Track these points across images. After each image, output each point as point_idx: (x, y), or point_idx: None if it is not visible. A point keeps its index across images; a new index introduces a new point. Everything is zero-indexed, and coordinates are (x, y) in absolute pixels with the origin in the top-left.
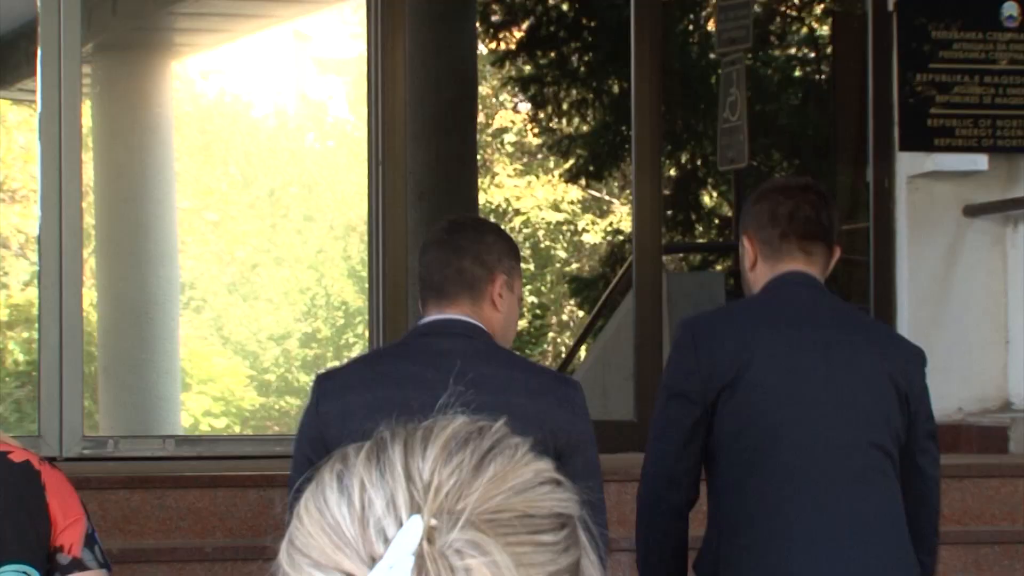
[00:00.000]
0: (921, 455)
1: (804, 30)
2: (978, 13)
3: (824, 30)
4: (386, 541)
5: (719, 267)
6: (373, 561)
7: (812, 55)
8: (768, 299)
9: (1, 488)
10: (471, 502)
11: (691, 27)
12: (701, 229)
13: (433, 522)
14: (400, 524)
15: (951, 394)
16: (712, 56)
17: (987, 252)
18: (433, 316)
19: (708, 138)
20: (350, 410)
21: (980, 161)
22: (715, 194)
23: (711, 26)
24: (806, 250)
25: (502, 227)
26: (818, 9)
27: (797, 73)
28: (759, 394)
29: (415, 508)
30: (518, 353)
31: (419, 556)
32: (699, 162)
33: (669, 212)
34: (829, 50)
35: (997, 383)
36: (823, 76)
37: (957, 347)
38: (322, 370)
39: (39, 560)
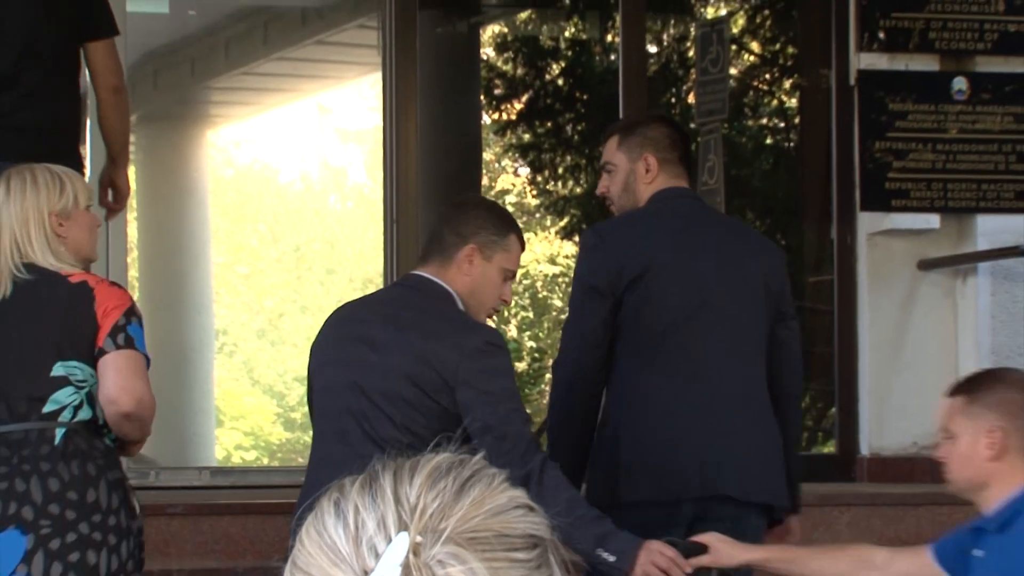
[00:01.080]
0: (783, 330)
1: (774, 102)
2: (931, 87)
3: (792, 103)
4: (377, 556)
5: None
6: (366, 574)
7: (782, 125)
8: (660, 209)
9: (59, 304)
10: (452, 522)
11: (673, 100)
12: None
13: (419, 539)
14: (389, 541)
15: (907, 430)
16: (692, 126)
17: (939, 302)
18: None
19: None
20: (319, 342)
21: (933, 220)
22: None
23: (691, 99)
24: (688, 172)
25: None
26: (787, 84)
27: (768, 141)
28: (661, 285)
29: (403, 527)
30: (462, 312)
31: (405, 567)
32: None
33: None
34: (797, 120)
35: None
36: (792, 144)
37: (912, 388)
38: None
39: (88, 357)
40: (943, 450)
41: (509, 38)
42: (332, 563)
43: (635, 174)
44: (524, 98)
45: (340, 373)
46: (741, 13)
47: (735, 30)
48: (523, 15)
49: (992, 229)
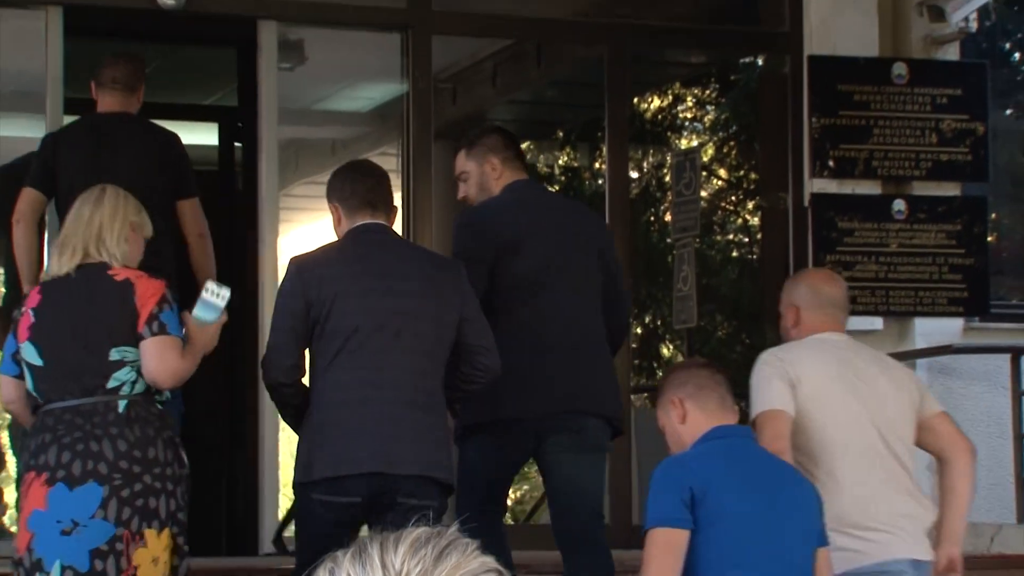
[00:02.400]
0: (611, 281)
1: (740, 221)
2: (874, 208)
3: (755, 221)
4: None
5: None
6: None
7: (746, 240)
8: (515, 196)
9: (109, 298)
10: None
11: (652, 218)
12: (660, 374)
13: None
14: None
15: None
16: (668, 240)
17: None
18: (367, 221)
19: (666, 304)
20: (327, 276)
21: (877, 322)
22: (672, 347)
23: (667, 217)
24: (524, 165)
25: None
26: (750, 205)
27: (734, 254)
28: (525, 251)
29: None
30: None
31: None
32: (659, 322)
33: (636, 361)
34: (759, 236)
35: None
36: (754, 256)
37: None
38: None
39: (134, 342)
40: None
41: None
42: None
43: (485, 175)
44: None
45: None
46: (711, 144)
47: (705, 158)
48: (524, 145)
49: (928, 330)
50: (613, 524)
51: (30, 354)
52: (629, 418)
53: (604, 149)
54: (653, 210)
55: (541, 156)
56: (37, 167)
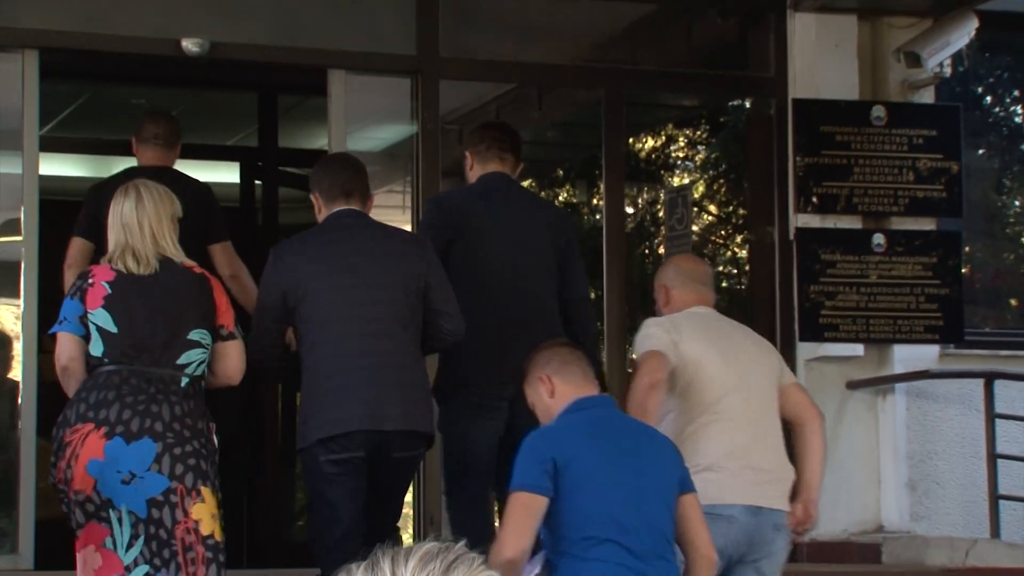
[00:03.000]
0: (570, 267)
1: (729, 253)
2: (855, 242)
3: (743, 254)
4: None
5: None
6: None
7: (735, 271)
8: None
9: (193, 287)
10: None
11: (647, 251)
12: None
13: None
14: None
15: (838, 519)
16: None
17: (864, 415)
18: (342, 207)
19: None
20: (300, 262)
21: (858, 349)
22: None
23: (661, 250)
24: (502, 156)
25: None
26: (739, 238)
27: (724, 284)
28: (482, 231)
29: None
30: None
31: None
32: None
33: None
34: (747, 268)
35: (872, 512)
36: (743, 287)
37: (843, 485)
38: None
39: (211, 329)
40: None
41: None
42: None
43: (465, 167)
44: None
45: None
46: (701, 181)
47: (696, 195)
48: (526, 183)
49: (906, 356)
50: None
51: (103, 320)
52: None
53: (601, 186)
54: (647, 243)
55: (542, 192)
56: (84, 218)
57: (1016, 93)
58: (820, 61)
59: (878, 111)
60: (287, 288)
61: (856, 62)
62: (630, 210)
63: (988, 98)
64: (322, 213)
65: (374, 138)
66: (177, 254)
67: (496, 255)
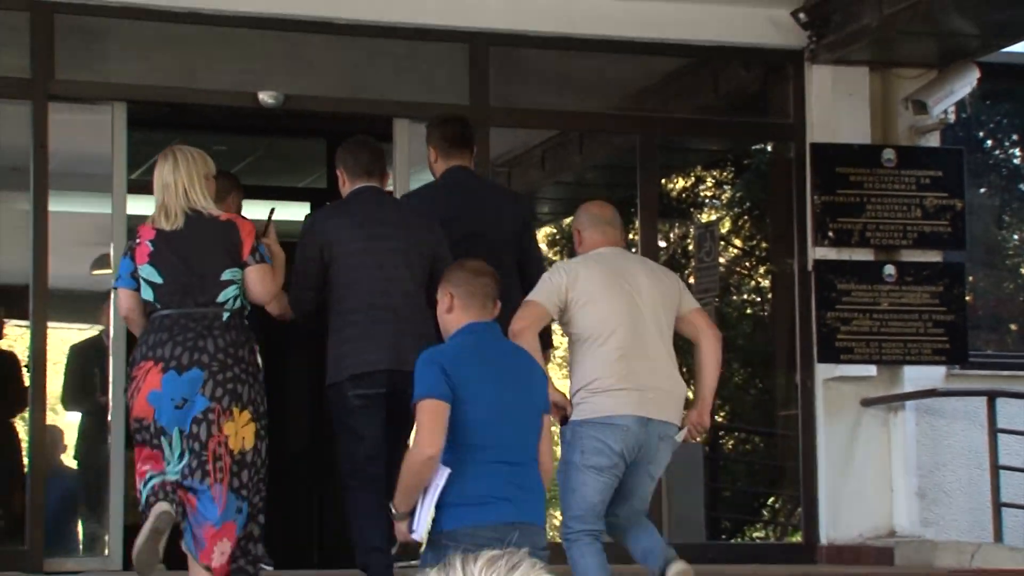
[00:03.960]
0: (527, 249)
1: (753, 283)
2: (868, 272)
3: (766, 283)
4: None
5: (697, 440)
6: None
7: (758, 299)
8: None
9: (220, 233)
10: None
11: None
12: (685, 413)
13: None
14: None
15: (854, 525)
16: None
17: (877, 430)
18: (364, 184)
19: (690, 354)
20: (331, 227)
21: (871, 369)
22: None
23: (691, 280)
24: (463, 150)
25: None
26: (762, 269)
27: (748, 311)
28: (451, 221)
29: None
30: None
31: None
32: (685, 369)
33: None
34: (770, 296)
35: (885, 518)
36: (766, 313)
37: (858, 493)
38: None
39: (240, 265)
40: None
41: (558, 236)
42: None
43: (428, 160)
44: None
45: None
46: (727, 217)
47: (723, 230)
48: (567, 220)
49: (915, 376)
50: None
51: (150, 273)
52: None
53: (637, 222)
54: (679, 273)
55: None
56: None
57: (1015, 137)
58: (835, 109)
59: (888, 154)
60: (323, 244)
61: (868, 109)
62: (663, 244)
63: (989, 142)
64: (346, 187)
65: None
66: (207, 206)
67: (459, 242)
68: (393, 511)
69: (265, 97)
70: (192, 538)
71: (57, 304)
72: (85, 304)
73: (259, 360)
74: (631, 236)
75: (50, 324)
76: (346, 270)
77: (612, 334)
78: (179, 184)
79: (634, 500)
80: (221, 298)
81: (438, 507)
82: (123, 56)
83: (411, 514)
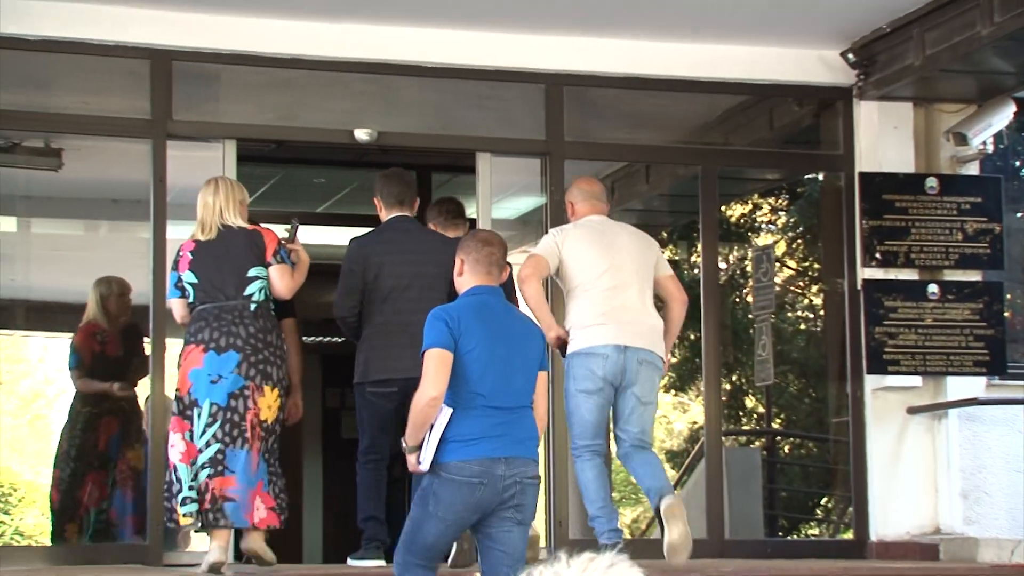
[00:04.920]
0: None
1: (806, 301)
2: (913, 291)
3: (818, 301)
4: None
5: (756, 444)
6: None
7: (811, 316)
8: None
9: (247, 240)
10: None
11: (737, 299)
12: (745, 421)
13: None
14: None
15: (902, 523)
16: (751, 316)
17: (922, 436)
18: (397, 213)
19: (748, 366)
20: (371, 252)
21: (916, 380)
22: (754, 400)
23: (749, 298)
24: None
25: None
26: (814, 288)
27: (802, 327)
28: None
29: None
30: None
31: None
32: (743, 380)
33: (725, 411)
34: (822, 313)
35: (931, 516)
36: (818, 328)
37: (906, 494)
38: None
39: (263, 265)
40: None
41: None
42: None
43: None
44: None
45: None
46: (782, 241)
47: (779, 252)
48: None
49: (958, 386)
50: (710, 538)
51: (189, 278)
52: (721, 454)
53: (699, 246)
54: (738, 293)
55: None
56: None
57: None
58: (882, 141)
59: (931, 182)
60: (364, 262)
61: (912, 141)
62: (723, 265)
63: None
64: (383, 212)
65: (511, 208)
66: (236, 222)
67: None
68: (404, 445)
69: (360, 134)
70: (239, 510)
71: (172, 321)
72: None
73: (284, 344)
74: (694, 258)
75: (168, 339)
76: (375, 290)
77: (596, 281)
78: (216, 205)
79: (630, 425)
80: (248, 291)
81: (440, 443)
82: (233, 98)
83: (419, 448)
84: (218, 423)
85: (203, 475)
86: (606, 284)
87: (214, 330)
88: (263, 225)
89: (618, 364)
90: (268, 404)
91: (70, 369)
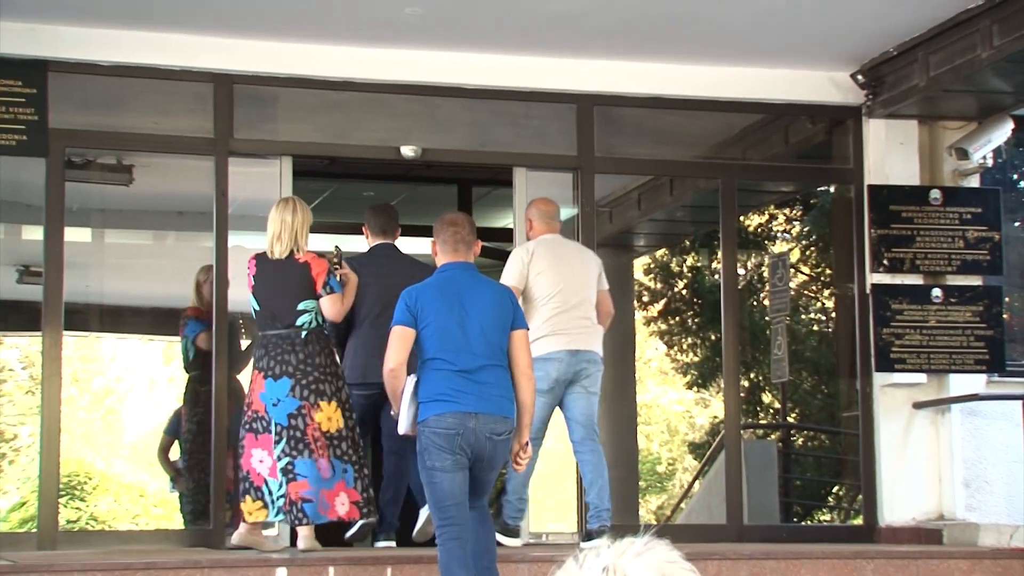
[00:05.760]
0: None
1: (819, 304)
2: (918, 294)
3: (830, 304)
4: (590, 568)
5: (772, 437)
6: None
7: (823, 318)
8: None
9: (298, 272)
10: (638, 557)
11: (755, 302)
12: (762, 415)
13: (617, 560)
14: (601, 568)
15: (908, 509)
16: (767, 318)
17: (927, 429)
18: (380, 241)
19: (765, 364)
20: (362, 272)
21: (921, 377)
22: (770, 396)
23: (766, 302)
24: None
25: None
26: (826, 292)
27: (815, 328)
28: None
29: (607, 562)
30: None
31: (606, 569)
32: (760, 378)
33: (744, 406)
34: (834, 315)
35: (935, 504)
36: (830, 329)
37: (912, 482)
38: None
39: (313, 297)
40: None
41: (652, 265)
42: None
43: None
44: (661, 303)
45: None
46: (797, 248)
47: (793, 259)
48: (660, 252)
49: (960, 383)
50: (729, 524)
51: (252, 302)
52: (739, 446)
53: (719, 253)
54: (755, 297)
55: (674, 259)
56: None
57: None
58: (889, 155)
59: (935, 193)
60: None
61: (917, 156)
62: (741, 271)
63: (1022, 182)
64: (369, 239)
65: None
66: (302, 248)
67: (377, 300)
68: (392, 413)
69: (406, 150)
70: (316, 508)
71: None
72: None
73: (337, 360)
74: (714, 264)
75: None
76: (366, 303)
77: (552, 296)
78: (295, 224)
79: (578, 411)
80: (299, 322)
81: (419, 406)
82: (289, 118)
83: None
84: (284, 440)
85: (284, 483)
86: (559, 299)
87: (271, 358)
88: (313, 252)
89: (569, 364)
90: (328, 416)
91: (193, 338)
